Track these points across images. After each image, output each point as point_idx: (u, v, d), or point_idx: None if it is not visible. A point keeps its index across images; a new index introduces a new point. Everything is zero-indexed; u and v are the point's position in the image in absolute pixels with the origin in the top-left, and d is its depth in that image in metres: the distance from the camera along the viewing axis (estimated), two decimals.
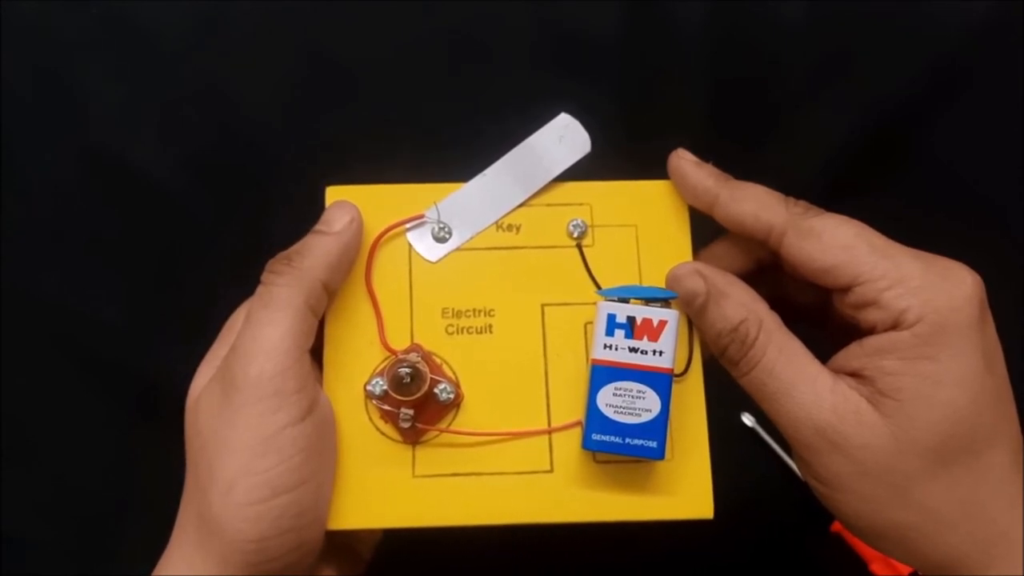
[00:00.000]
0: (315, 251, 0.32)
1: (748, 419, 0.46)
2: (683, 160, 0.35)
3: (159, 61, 0.48)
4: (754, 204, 0.32)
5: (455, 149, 0.41)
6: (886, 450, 0.28)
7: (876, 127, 0.47)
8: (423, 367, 0.32)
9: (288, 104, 0.48)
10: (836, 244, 0.30)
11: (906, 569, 0.44)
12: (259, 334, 0.30)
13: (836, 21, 0.48)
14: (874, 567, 0.45)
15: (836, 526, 0.46)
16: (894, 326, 0.29)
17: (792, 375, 0.30)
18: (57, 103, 0.47)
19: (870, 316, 0.30)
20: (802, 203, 0.32)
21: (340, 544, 0.35)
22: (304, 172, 0.45)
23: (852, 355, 0.30)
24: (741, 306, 0.31)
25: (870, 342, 0.30)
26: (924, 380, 0.28)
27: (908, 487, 0.28)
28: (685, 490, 0.33)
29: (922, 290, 0.29)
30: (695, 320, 0.33)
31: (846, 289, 0.30)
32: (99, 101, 0.47)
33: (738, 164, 0.44)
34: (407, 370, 0.31)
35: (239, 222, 0.47)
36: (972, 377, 0.28)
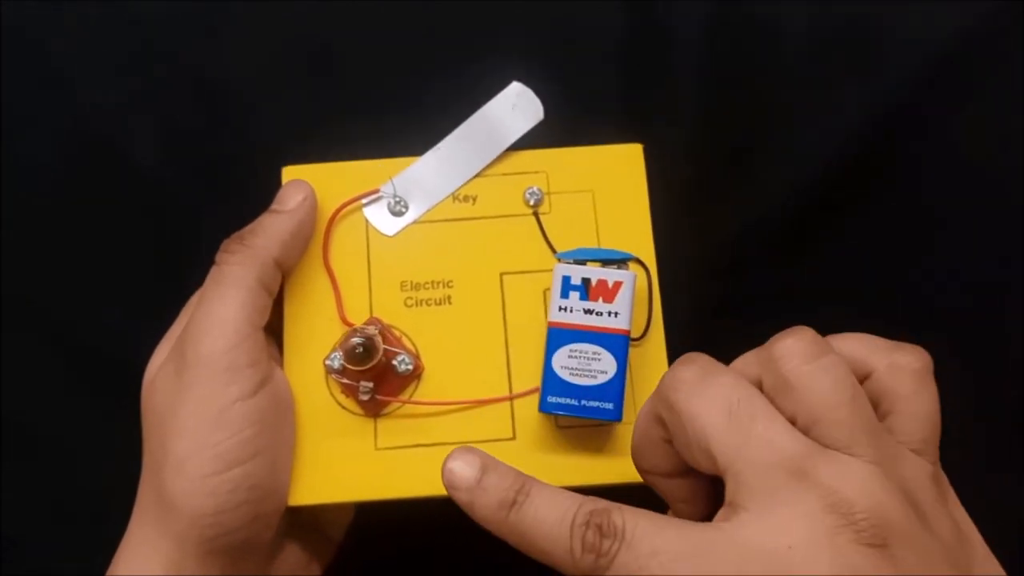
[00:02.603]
0: (268, 230, 0.33)
1: None
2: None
3: (160, 60, 0.49)
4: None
5: None
6: None
7: (876, 129, 0.46)
8: (377, 338, 0.32)
9: (289, 103, 0.49)
10: None
11: None
12: (211, 311, 0.31)
13: (836, 23, 0.47)
14: None
15: None
16: None
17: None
18: (56, 101, 0.48)
19: None
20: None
21: (307, 524, 0.35)
22: None
23: None
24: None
25: None
26: None
27: None
28: None
29: None
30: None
31: None
32: (98, 99, 0.48)
33: (736, 166, 0.43)
34: (359, 340, 0.31)
35: (240, 221, 0.48)
36: None
